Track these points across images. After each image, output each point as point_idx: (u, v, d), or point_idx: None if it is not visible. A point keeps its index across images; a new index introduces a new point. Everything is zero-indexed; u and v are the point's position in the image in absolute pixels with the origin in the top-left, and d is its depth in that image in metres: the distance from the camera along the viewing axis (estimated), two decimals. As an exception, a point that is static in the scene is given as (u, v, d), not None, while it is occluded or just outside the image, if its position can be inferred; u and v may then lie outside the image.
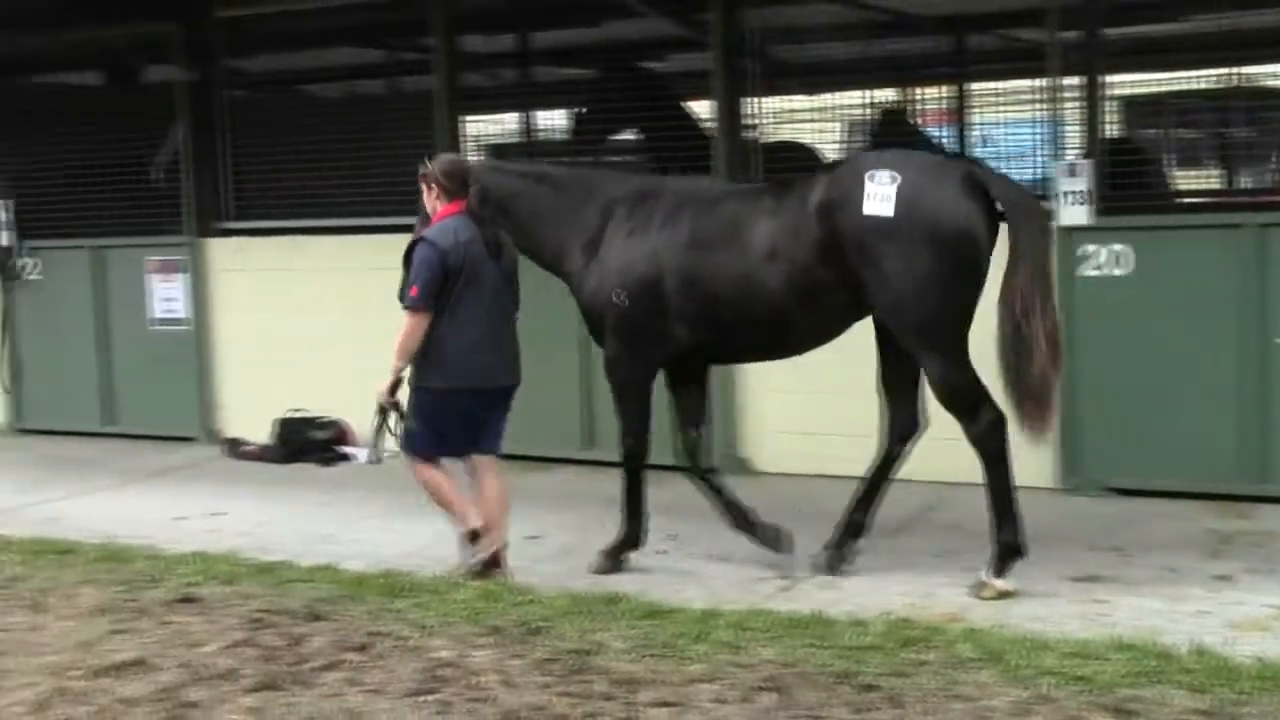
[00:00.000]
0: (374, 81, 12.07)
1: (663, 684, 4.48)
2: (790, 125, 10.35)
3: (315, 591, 5.71)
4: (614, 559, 6.52)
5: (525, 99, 11.72)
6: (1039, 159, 9.86)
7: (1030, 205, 5.96)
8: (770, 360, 6.77)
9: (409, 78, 11.47)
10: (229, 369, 10.19)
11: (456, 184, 6.22)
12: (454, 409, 6.16)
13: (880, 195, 5.84)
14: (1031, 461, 6.53)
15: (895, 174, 5.86)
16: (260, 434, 9.75)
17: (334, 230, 9.67)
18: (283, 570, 6.15)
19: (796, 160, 9.37)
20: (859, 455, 6.49)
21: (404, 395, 6.16)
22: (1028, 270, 5.75)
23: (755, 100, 8.68)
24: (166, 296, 10.32)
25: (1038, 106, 8.94)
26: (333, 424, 9.67)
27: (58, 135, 10.55)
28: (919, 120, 11.88)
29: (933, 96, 12.07)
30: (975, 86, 11.75)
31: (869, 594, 5.86)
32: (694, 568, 6.48)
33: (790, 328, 6.17)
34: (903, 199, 5.80)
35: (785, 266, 6.02)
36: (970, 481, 6.17)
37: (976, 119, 11.94)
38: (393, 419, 6.15)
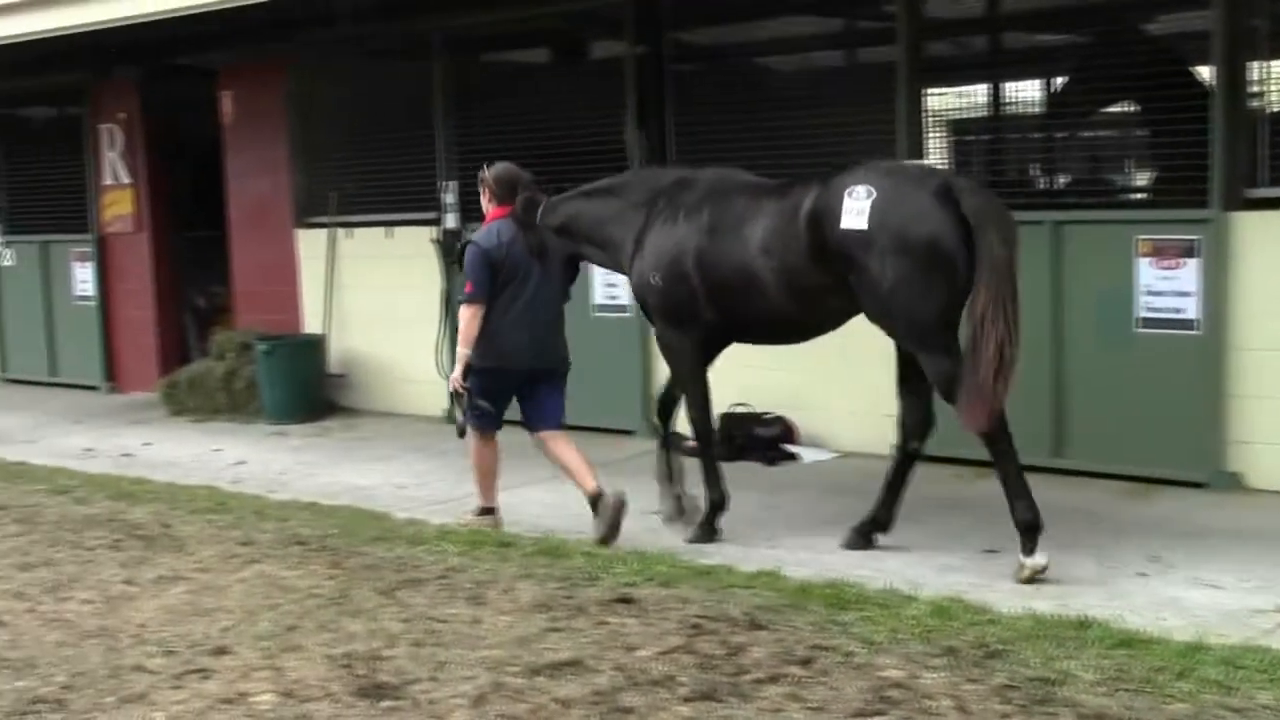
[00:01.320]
0: (828, 53, 12.16)
1: (1140, 725, 4.31)
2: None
3: (756, 599, 5.81)
4: (708, 528, 7.60)
5: (993, 68, 11.50)
6: None
7: (995, 215, 6.61)
8: (792, 343, 7.73)
9: (867, 48, 11.48)
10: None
11: (505, 190, 7.69)
12: (496, 387, 7.60)
13: (856, 210, 6.81)
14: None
15: (871, 189, 6.81)
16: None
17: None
18: (723, 574, 6.30)
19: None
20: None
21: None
22: (985, 278, 6.49)
23: (1263, 64, 8.19)
24: (609, 282, 10.80)
25: None
26: (778, 420, 9.82)
27: (506, 114, 11.24)
28: None
29: None
30: None
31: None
32: (1177, 594, 6.19)
33: (790, 319, 7.22)
34: (876, 212, 6.74)
35: (777, 264, 7.05)
36: None
37: None
38: (465, 401, 7.56)
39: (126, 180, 14.23)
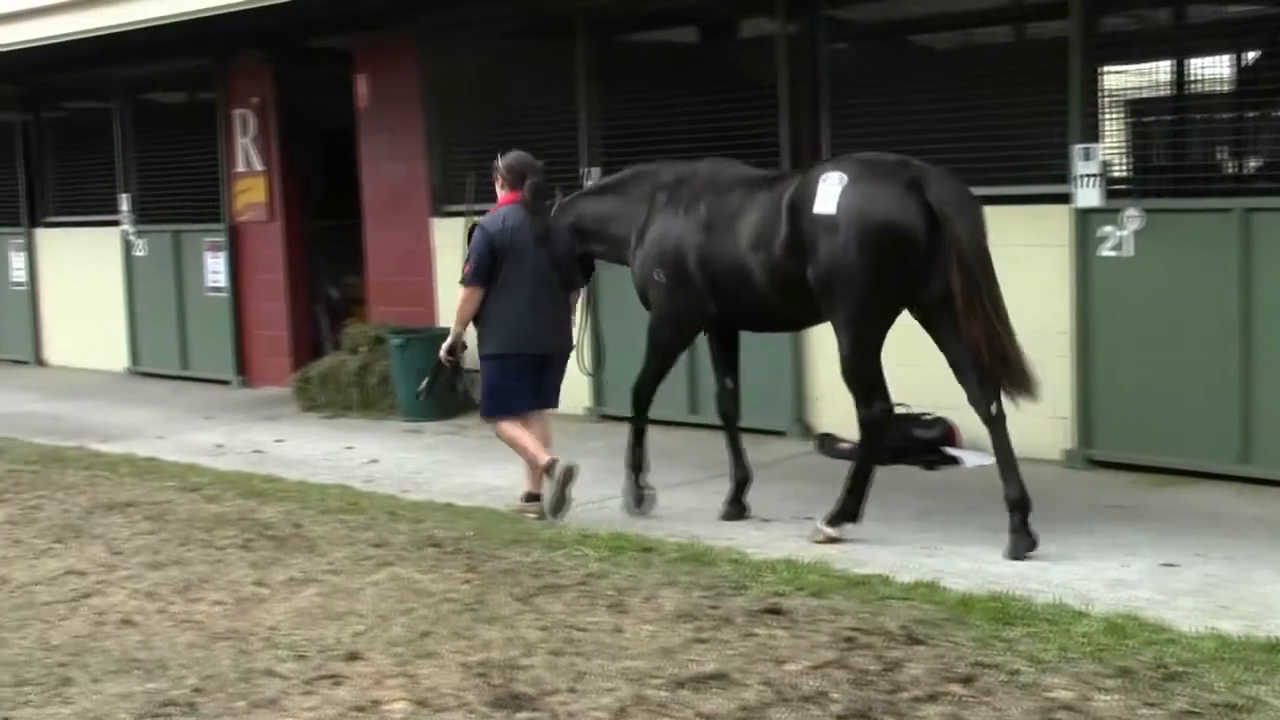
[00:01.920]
0: (994, 28, 11.98)
1: (1337, 757, 4.18)
2: None
3: (914, 612, 5.76)
4: (636, 496, 8.45)
5: (1177, 43, 11.22)
6: None
7: (961, 205, 7.17)
8: (784, 331, 8.93)
9: (1037, 23, 11.28)
10: (821, 358, 10.49)
11: (515, 177, 8.41)
12: (508, 371, 8.33)
13: (827, 195, 7.41)
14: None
15: (844, 175, 7.40)
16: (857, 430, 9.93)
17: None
18: (878, 585, 6.25)
19: None
20: None
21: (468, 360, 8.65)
22: (954, 271, 7.11)
23: None
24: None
25: None
26: (939, 422, 9.70)
27: (651, 95, 11.28)
28: None
29: None
30: None
31: None
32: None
33: (778, 310, 7.87)
34: (844, 197, 7.34)
35: (763, 255, 7.69)
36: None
37: None
38: (444, 374, 8.57)
39: (259, 167, 14.54)
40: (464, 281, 8.38)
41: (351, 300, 14.69)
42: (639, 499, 8.48)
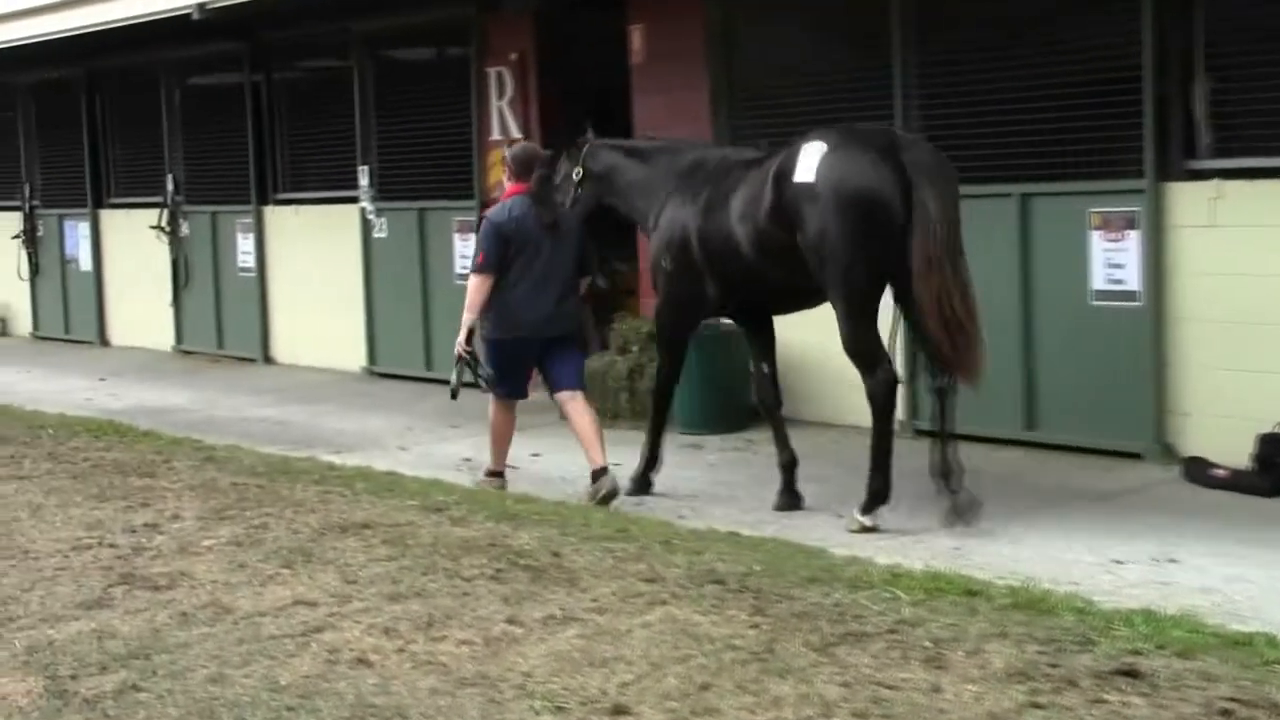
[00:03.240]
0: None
1: None
2: None
3: (1309, 680, 5.55)
4: (640, 483, 10.41)
5: None
6: None
7: (932, 170, 8.69)
8: (792, 311, 10.11)
9: None
10: (1188, 364, 10.20)
11: (521, 168, 10.29)
12: (508, 354, 10.27)
13: (806, 164, 8.97)
14: None
15: (824, 144, 8.97)
16: (1235, 454, 9.66)
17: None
18: (1261, 645, 6.06)
19: None
20: None
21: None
22: (918, 235, 8.58)
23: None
24: (1113, 261, 10.51)
25: None
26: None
27: (979, 50, 11.26)
28: None
29: None
30: None
31: None
32: None
33: (767, 278, 9.51)
34: (822, 166, 8.90)
35: (750, 225, 9.36)
36: None
37: None
38: (464, 367, 10.20)
39: (516, 134, 14.79)
40: (475, 270, 10.20)
41: (621, 291, 14.83)
42: (637, 486, 10.31)
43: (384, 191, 16.44)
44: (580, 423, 10.10)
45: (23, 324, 22.79)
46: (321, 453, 11.80)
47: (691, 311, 10.19)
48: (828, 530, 9.03)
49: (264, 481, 10.05)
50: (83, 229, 21.40)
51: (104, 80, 20.94)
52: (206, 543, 8.30)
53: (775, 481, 10.17)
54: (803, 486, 9.90)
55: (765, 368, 10.15)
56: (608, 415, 12.92)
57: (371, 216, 16.45)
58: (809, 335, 11.63)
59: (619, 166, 10.62)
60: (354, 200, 16.65)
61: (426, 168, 15.84)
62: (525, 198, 10.16)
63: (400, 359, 16.26)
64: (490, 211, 10.33)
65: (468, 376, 10.33)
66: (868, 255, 8.81)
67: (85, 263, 21.38)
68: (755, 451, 11.57)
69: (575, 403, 10.18)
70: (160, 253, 19.58)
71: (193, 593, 7.31)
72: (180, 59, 19.17)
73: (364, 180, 16.52)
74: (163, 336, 19.75)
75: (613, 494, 9.87)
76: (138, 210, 20.15)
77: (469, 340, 10.16)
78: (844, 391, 12.09)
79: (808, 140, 9.10)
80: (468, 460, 11.59)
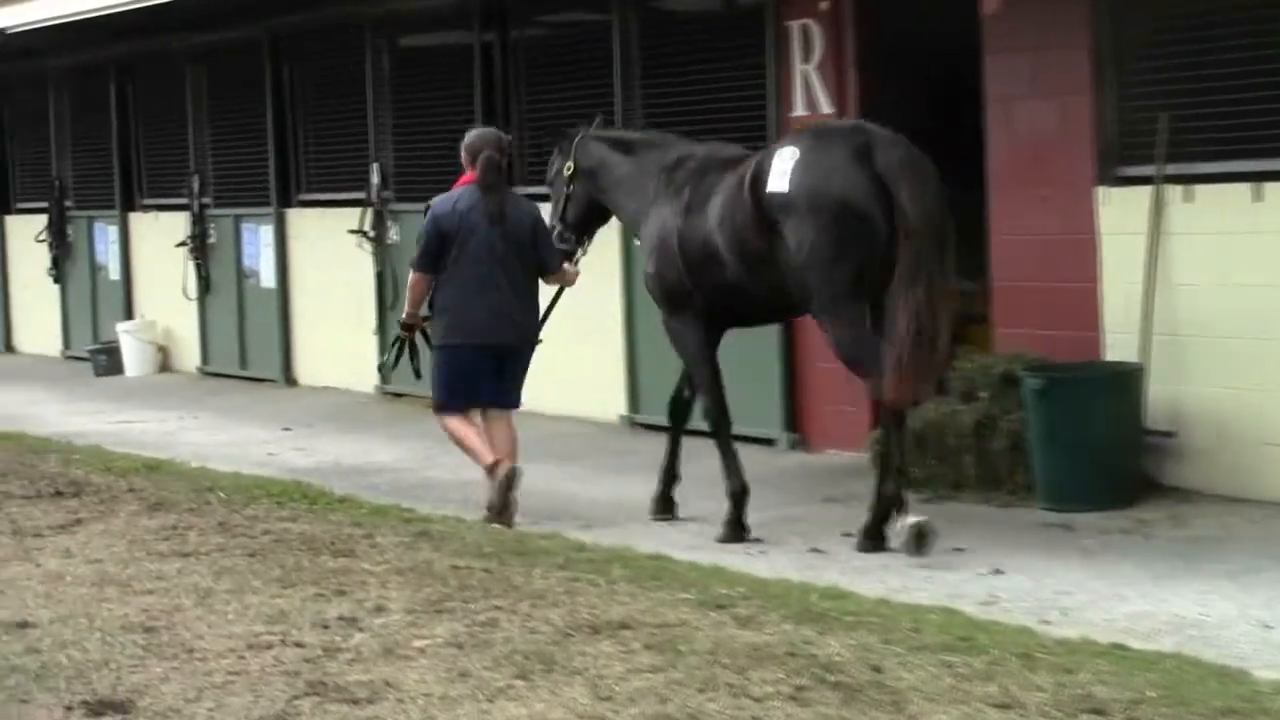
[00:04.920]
0: None
1: None
2: None
3: None
4: (735, 525, 11.83)
5: None
6: None
7: (909, 171, 10.70)
8: (767, 324, 13.31)
9: None
10: None
11: (470, 156, 12.28)
12: (454, 362, 12.25)
13: (779, 171, 10.93)
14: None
15: (796, 150, 10.99)
16: None
17: None
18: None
19: None
20: None
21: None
22: (901, 241, 10.60)
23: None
24: None
25: None
26: None
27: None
28: None
29: None
30: None
31: None
32: None
33: (746, 292, 11.66)
34: (795, 173, 10.87)
35: (729, 233, 11.42)
36: None
37: None
38: (402, 347, 12.74)
39: (827, 108, 14.75)
40: (411, 267, 12.48)
41: (966, 317, 14.69)
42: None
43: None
44: (502, 437, 12.43)
45: (188, 355, 23.45)
46: (567, 527, 11.91)
47: (689, 316, 12.19)
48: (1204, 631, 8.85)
49: (493, 565, 10.14)
50: (265, 234, 21.86)
51: (291, 46, 21.50)
52: (418, 643, 8.40)
53: (1173, 573, 10.02)
54: (1215, 586, 9.72)
55: (687, 391, 12.66)
56: (946, 484, 12.81)
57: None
58: (1208, 380, 11.47)
59: (608, 163, 12.75)
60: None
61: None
62: (474, 189, 12.20)
63: (662, 405, 16.21)
64: (435, 201, 12.40)
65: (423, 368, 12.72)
66: (848, 265, 10.94)
67: (267, 277, 21.82)
68: (1148, 534, 11.38)
69: (503, 420, 12.52)
70: (363, 264, 19.91)
71: (400, 708, 7.40)
72: (388, 15, 19.60)
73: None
74: (363, 374, 20.00)
75: (510, 478, 12.02)
76: (334, 209, 20.58)
77: (410, 327, 12.62)
78: (1259, 453, 11.89)
79: (781, 144, 11.38)
80: (758, 542, 11.58)
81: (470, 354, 12.24)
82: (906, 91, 14.87)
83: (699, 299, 12.00)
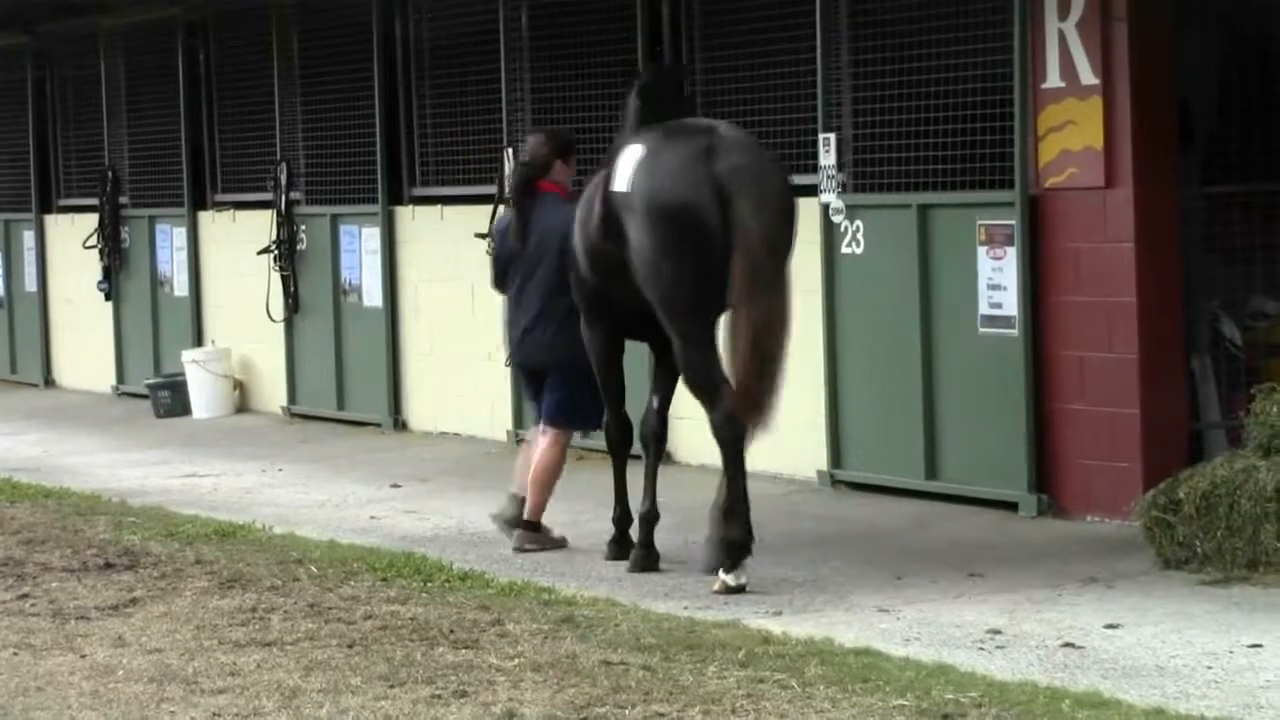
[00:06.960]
0: None
1: None
2: None
3: None
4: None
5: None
6: None
7: (748, 180, 12.36)
8: (645, 339, 14.13)
9: None
10: None
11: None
12: (524, 379, 15.31)
13: (623, 172, 12.80)
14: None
15: (642, 148, 12.76)
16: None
17: None
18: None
19: None
20: None
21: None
22: (737, 255, 12.28)
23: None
24: None
25: None
26: None
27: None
28: None
29: None
30: None
31: None
32: None
33: (609, 299, 13.52)
34: (636, 175, 12.67)
35: (583, 237, 13.39)
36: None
37: None
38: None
39: (1089, 80, 14.61)
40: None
41: (1269, 346, 14.54)
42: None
43: (861, 176, 16.46)
44: (535, 459, 14.54)
45: (271, 392, 23.59)
46: (747, 612, 11.89)
47: (596, 324, 13.96)
48: None
49: (654, 660, 10.18)
50: (368, 238, 21.81)
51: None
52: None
53: None
54: None
55: (655, 400, 14.05)
56: (1240, 562, 12.68)
57: (838, 216, 16.38)
58: None
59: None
60: (812, 190, 16.42)
61: (925, 138, 15.70)
62: (518, 205, 14.60)
63: (878, 458, 16.32)
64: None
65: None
66: (689, 274, 12.59)
67: (372, 293, 21.77)
68: None
69: (544, 437, 14.58)
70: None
71: None
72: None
73: (827, 158, 16.52)
74: (494, 416, 20.14)
75: (508, 522, 14.56)
76: (455, 207, 20.58)
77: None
78: None
79: (632, 141, 13.04)
80: (995, 633, 11.54)
81: (522, 372, 15.07)
82: (1201, 55, 14.64)
83: (598, 306, 13.78)
